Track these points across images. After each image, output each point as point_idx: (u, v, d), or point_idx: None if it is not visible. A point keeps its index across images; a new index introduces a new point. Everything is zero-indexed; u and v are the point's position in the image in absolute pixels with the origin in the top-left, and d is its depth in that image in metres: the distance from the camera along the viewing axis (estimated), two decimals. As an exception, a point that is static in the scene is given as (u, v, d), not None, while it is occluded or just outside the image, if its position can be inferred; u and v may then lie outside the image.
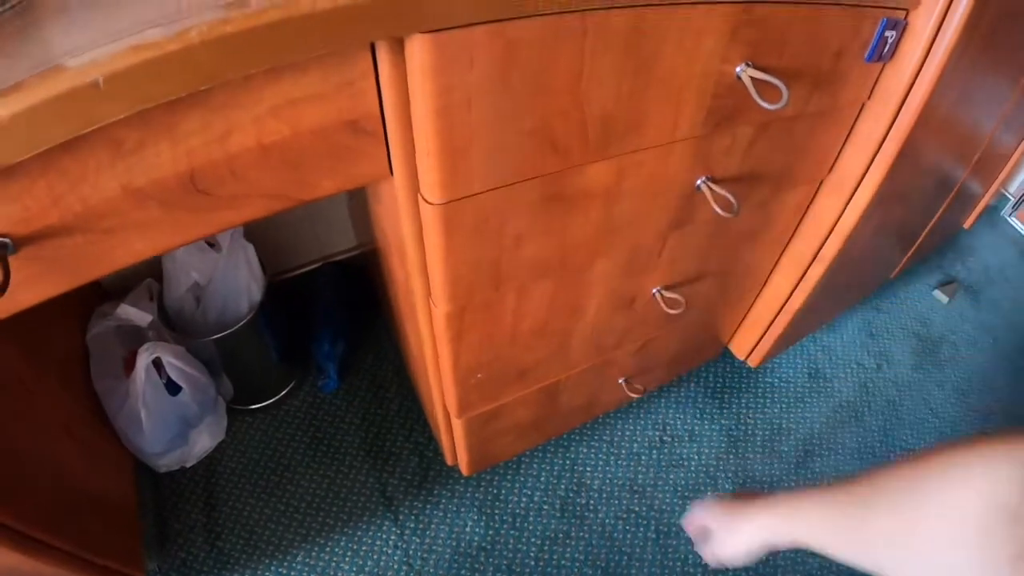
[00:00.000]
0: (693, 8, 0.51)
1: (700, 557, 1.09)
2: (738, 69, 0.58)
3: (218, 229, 0.52)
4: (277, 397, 1.22)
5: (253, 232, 1.05)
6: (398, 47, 0.44)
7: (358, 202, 1.07)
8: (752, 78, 0.58)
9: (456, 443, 0.98)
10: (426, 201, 0.54)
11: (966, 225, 1.59)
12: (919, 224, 1.26)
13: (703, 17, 0.52)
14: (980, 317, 1.52)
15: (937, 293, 1.54)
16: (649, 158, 0.63)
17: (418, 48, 0.43)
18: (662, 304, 0.86)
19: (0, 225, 0.43)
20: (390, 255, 0.78)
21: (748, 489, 0.65)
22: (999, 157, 1.35)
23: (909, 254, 1.36)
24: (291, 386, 1.23)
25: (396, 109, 0.48)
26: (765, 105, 0.58)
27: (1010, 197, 1.71)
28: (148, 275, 1.12)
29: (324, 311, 1.22)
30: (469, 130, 0.49)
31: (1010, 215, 1.72)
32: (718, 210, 0.71)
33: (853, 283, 1.22)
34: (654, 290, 0.86)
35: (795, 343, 1.40)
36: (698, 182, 0.70)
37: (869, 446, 1.28)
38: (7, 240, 0.43)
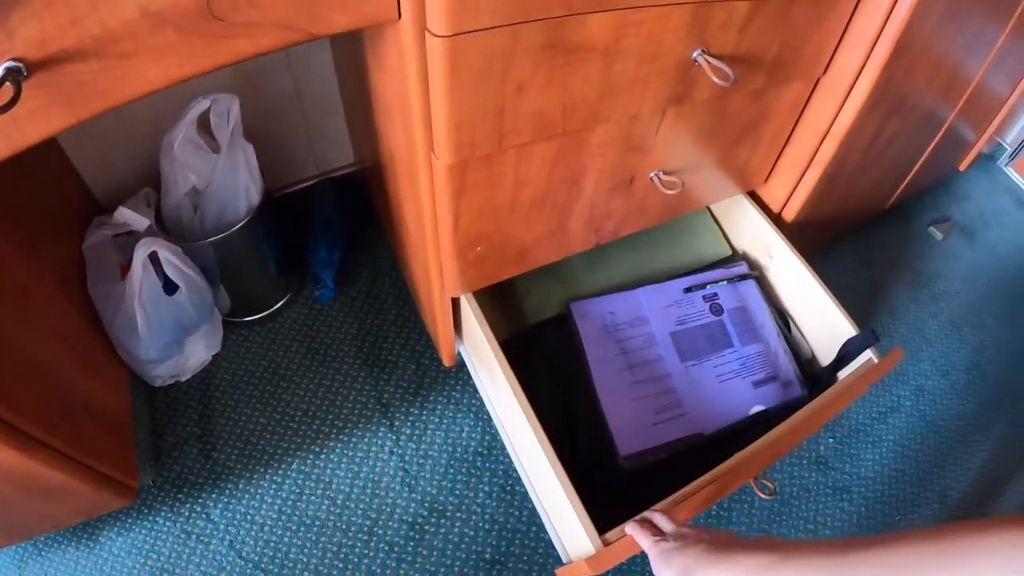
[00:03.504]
0: None
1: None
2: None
3: (231, 59, 0.53)
4: (273, 308, 1.21)
5: (252, 141, 1.05)
6: None
7: (356, 107, 1.07)
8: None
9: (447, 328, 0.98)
10: (433, 34, 0.55)
11: (961, 167, 1.60)
12: (913, 153, 1.27)
13: None
14: (974, 257, 1.53)
15: (932, 230, 1.55)
16: (648, 17, 0.63)
17: None
18: (660, 186, 0.86)
19: (17, 47, 0.44)
20: (392, 122, 0.78)
21: (711, 530, 0.60)
22: (993, 100, 1.36)
23: (903, 185, 1.37)
24: (287, 298, 1.23)
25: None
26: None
27: (1006, 147, 1.72)
28: (145, 184, 1.11)
29: (322, 221, 1.22)
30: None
31: (1006, 164, 1.73)
32: (715, 79, 0.71)
33: (849, 201, 1.22)
34: (652, 174, 0.86)
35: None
36: (694, 54, 0.71)
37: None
38: (20, 64, 0.44)
